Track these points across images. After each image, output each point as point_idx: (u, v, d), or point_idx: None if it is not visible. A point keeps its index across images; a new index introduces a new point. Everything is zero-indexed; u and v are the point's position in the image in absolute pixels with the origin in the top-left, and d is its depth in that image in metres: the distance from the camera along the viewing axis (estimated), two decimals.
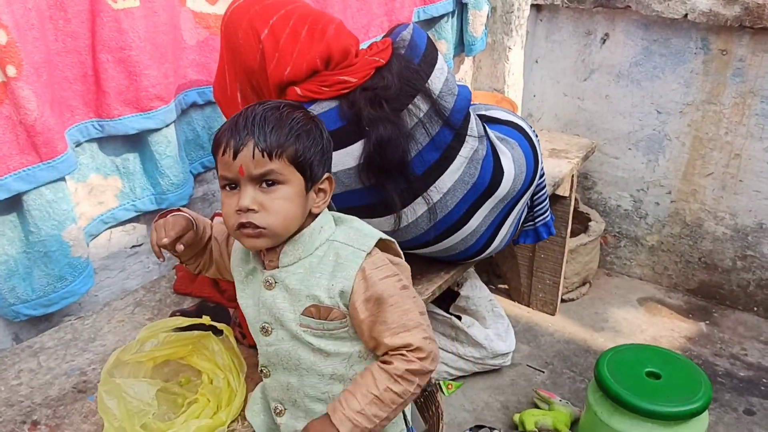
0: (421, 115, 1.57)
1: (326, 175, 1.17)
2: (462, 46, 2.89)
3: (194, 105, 1.96)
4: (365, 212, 1.63)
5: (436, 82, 1.60)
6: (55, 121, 1.57)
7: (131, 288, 1.96)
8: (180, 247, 1.22)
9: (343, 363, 1.19)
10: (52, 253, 1.62)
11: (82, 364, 1.52)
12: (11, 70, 1.45)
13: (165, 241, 1.19)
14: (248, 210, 1.07)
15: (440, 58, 1.64)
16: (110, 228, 1.89)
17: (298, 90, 1.50)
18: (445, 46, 2.73)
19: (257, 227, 1.08)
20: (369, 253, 1.13)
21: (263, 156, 1.06)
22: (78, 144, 1.74)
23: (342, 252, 1.13)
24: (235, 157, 1.07)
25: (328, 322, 1.15)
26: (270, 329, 1.20)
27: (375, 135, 1.50)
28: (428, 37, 1.65)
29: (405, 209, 1.64)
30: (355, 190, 1.58)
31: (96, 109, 1.72)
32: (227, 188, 1.11)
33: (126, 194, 1.87)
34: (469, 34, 2.82)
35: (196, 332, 1.45)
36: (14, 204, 1.58)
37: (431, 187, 1.63)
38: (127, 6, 1.65)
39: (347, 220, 1.22)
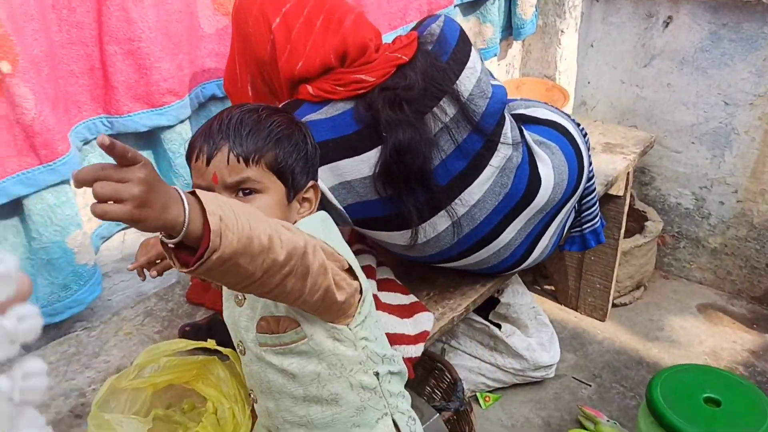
0: (447, 119, 1.40)
1: (311, 183, 1.09)
2: (510, 29, 2.67)
3: (213, 98, 1.82)
4: (381, 225, 1.48)
5: (466, 82, 1.42)
6: (56, 120, 1.45)
7: (146, 291, 1.85)
8: (153, 273, 1.13)
9: (313, 383, 1.08)
10: (55, 261, 1.52)
11: (82, 383, 1.42)
12: (5, 66, 1.33)
13: (129, 267, 1.15)
14: None
15: (473, 55, 1.46)
16: (123, 230, 1.78)
17: (310, 89, 1.35)
18: (491, 30, 2.53)
19: None
20: None
21: (239, 162, 0.98)
22: (86, 142, 1.62)
23: None
24: (208, 163, 0.99)
25: (283, 334, 1.04)
26: (243, 349, 1.12)
27: (393, 140, 1.34)
28: (461, 31, 1.47)
29: (424, 224, 1.47)
30: (370, 201, 1.42)
31: (104, 105, 1.60)
32: None
33: None
34: (517, 16, 2.61)
35: (200, 357, 1.32)
36: (16, 208, 1.48)
37: (456, 200, 1.46)
38: None
39: (330, 229, 1.10)
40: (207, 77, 1.78)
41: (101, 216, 0.68)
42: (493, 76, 1.56)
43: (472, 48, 1.47)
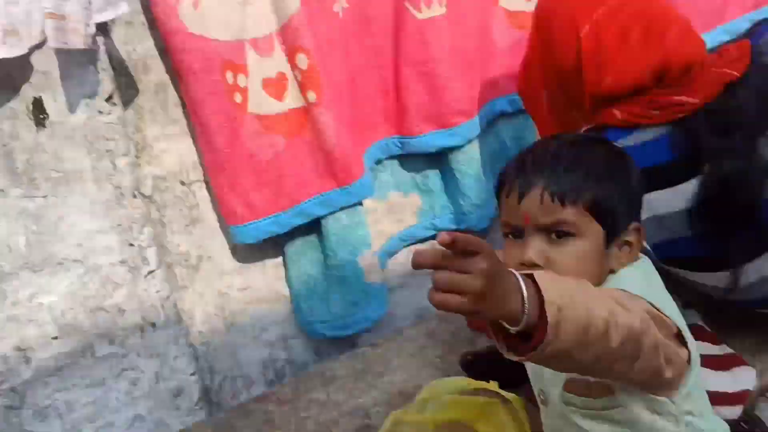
0: None
1: (633, 224, 0.94)
2: None
3: (503, 114, 1.75)
4: (692, 265, 1.29)
5: None
6: (352, 144, 1.50)
7: (427, 306, 1.86)
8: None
9: None
10: (347, 278, 1.58)
11: (367, 403, 1.45)
12: (311, 96, 1.41)
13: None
14: (533, 265, 0.89)
15: None
16: (408, 245, 1.80)
17: (617, 112, 1.20)
18: None
19: None
20: None
21: (554, 202, 0.88)
22: (378, 161, 1.66)
23: None
24: (520, 200, 0.90)
25: (594, 399, 0.93)
26: (545, 400, 1.03)
27: (717, 171, 1.14)
28: None
29: (746, 266, 1.24)
30: (682, 239, 1.24)
31: (397, 126, 1.62)
32: (510, 237, 0.94)
33: (425, 212, 1.76)
34: None
35: (482, 398, 1.27)
36: (314, 225, 1.56)
37: None
38: (433, 15, 1.51)
39: (654, 283, 0.97)
40: (497, 93, 1.72)
41: (439, 305, 0.65)
42: None
43: None
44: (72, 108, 1.17)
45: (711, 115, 1.16)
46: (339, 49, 1.46)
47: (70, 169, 1.21)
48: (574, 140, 0.96)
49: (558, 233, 0.89)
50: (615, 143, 1.21)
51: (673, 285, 1.51)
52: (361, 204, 1.56)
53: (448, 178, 1.70)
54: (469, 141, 1.64)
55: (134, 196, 1.28)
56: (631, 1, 1.23)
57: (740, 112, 1.16)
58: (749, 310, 1.43)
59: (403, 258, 1.82)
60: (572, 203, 0.89)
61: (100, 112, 1.21)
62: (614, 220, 0.92)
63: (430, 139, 1.60)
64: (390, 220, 1.74)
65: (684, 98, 1.17)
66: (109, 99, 1.20)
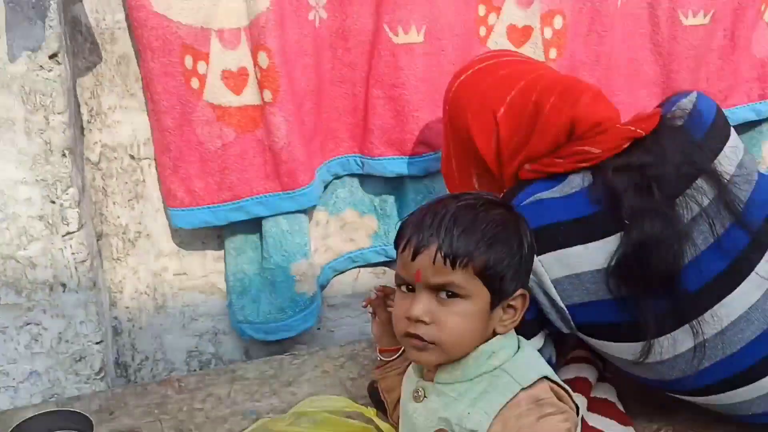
0: (705, 203, 1.14)
1: (519, 291, 0.97)
2: None
3: None
4: (608, 332, 1.24)
5: (727, 163, 1.17)
6: (305, 152, 1.50)
7: (369, 332, 1.84)
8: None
9: None
10: (278, 284, 1.58)
11: (263, 408, 1.44)
12: (267, 95, 1.42)
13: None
14: (418, 321, 0.93)
15: (734, 134, 1.24)
16: (359, 267, 1.79)
17: (527, 166, 1.21)
18: None
19: (424, 341, 0.94)
20: (525, 388, 0.92)
21: (445, 264, 0.91)
22: (338, 177, 1.66)
23: (496, 381, 0.94)
24: (414, 257, 0.93)
25: None
26: None
27: (638, 232, 1.11)
28: (718, 109, 1.26)
29: (662, 339, 1.18)
30: (600, 302, 1.19)
31: (360, 145, 1.62)
32: (402, 288, 0.97)
33: (379, 237, 1.74)
34: None
35: (357, 423, 1.25)
36: (258, 226, 1.57)
37: (706, 314, 1.16)
38: (409, 42, 1.51)
39: (526, 346, 1.01)
40: None
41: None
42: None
43: (732, 128, 1.25)
44: (12, 58, 1.21)
45: (627, 171, 1.15)
46: (309, 57, 1.48)
47: (2, 116, 1.25)
48: (473, 204, 0.97)
49: (447, 293, 0.92)
50: (540, 194, 1.20)
51: (593, 353, 1.46)
52: (304, 212, 1.56)
53: (406, 205, 1.69)
54: (428, 173, 1.63)
55: (64, 155, 1.31)
56: (542, 77, 1.26)
57: (655, 167, 1.14)
58: (673, 395, 1.37)
59: (351, 278, 1.81)
60: (463, 267, 0.91)
61: (41, 68, 1.24)
62: (502, 285, 0.94)
63: (388, 164, 1.60)
64: (341, 237, 1.73)
65: (586, 148, 1.16)
66: (53, 56, 1.23)
